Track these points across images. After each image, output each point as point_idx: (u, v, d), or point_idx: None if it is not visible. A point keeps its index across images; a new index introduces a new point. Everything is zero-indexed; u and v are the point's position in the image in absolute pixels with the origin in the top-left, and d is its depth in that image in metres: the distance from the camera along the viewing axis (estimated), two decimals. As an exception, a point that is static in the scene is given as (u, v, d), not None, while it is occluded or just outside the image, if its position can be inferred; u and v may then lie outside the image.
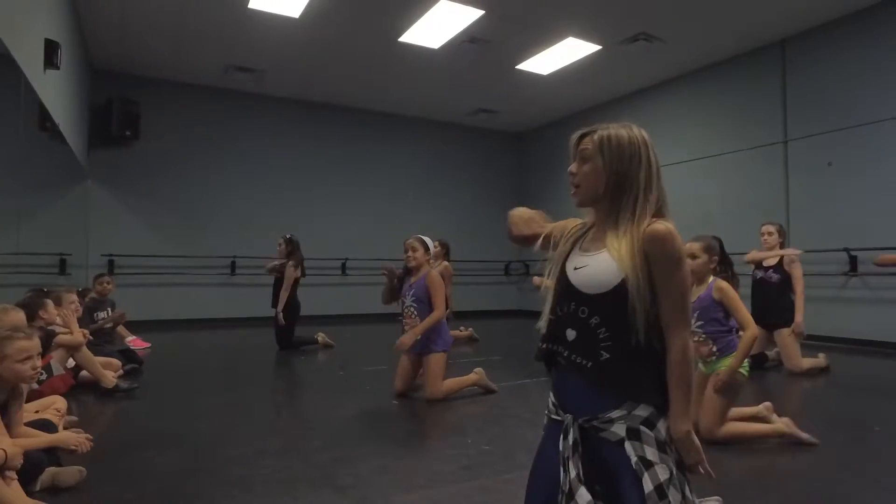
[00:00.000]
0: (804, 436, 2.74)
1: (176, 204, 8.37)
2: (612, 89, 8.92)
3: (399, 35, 6.94)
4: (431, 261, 4.08)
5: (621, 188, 1.40)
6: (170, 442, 2.77)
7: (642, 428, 1.31)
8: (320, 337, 6.34)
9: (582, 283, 1.37)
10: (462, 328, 7.16)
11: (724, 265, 2.95)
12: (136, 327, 6.50)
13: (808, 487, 2.20)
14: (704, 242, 2.85)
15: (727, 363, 2.74)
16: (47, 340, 3.47)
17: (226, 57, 7.58)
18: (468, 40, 7.08)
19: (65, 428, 2.69)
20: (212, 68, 7.95)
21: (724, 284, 2.80)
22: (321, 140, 9.55)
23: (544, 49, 7.33)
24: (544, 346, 1.45)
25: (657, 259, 1.34)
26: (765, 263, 5.07)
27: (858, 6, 6.20)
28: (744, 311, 2.76)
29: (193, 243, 8.44)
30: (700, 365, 2.89)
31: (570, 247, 1.48)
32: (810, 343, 6.52)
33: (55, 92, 4.99)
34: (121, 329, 5.75)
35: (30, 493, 1.94)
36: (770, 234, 5.06)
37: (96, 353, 4.24)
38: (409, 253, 3.88)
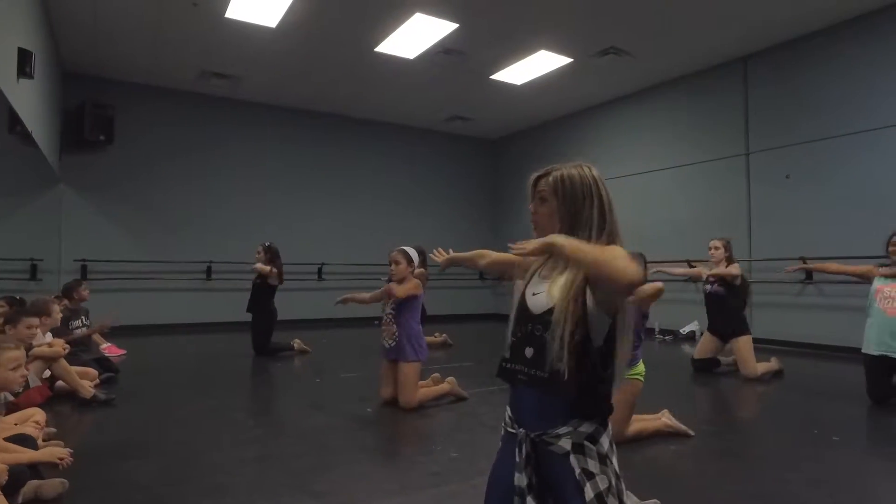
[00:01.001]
0: (682, 427, 3.16)
1: (150, 208, 8.34)
2: (583, 100, 9.17)
3: (375, 45, 7.05)
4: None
5: (576, 225, 1.52)
6: (150, 451, 2.85)
7: (586, 443, 1.46)
8: (296, 343, 6.41)
9: (534, 306, 1.51)
10: (437, 334, 7.29)
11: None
12: (109, 334, 6.47)
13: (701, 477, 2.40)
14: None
15: (634, 372, 3.05)
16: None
17: (202, 62, 7.59)
18: (443, 51, 7.23)
19: (44, 440, 2.75)
20: (188, 73, 7.95)
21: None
22: (298, 145, 9.60)
23: (517, 61, 7.52)
24: (507, 365, 1.57)
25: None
26: (708, 276, 5.33)
27: (817, 26, 6.52)
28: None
29: (168, 248, 8.42)
30: None
31: (530, 276, 1.62)
32: (768, 347, 6.84)
33: (27, 100, 4.98)
34: (96, 336, 5.74)
35: None
36: (717, 248, 5.30)
37: (72, 363, 4.26)
38: (392, 266, 4.00)
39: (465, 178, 11.47)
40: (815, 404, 4.02)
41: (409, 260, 4.06)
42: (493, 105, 9.43)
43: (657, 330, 8.11)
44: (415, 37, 6.80)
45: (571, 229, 1.53)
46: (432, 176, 11.02)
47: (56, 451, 2.40)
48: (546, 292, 1.48)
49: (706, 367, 5.29)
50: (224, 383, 4.65)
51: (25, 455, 2.31)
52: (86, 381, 3.92)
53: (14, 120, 5.35)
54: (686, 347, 7.15)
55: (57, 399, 3.78)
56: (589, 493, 1.42)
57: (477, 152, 11.57)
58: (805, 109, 6.73)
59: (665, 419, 3.17)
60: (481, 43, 7.01)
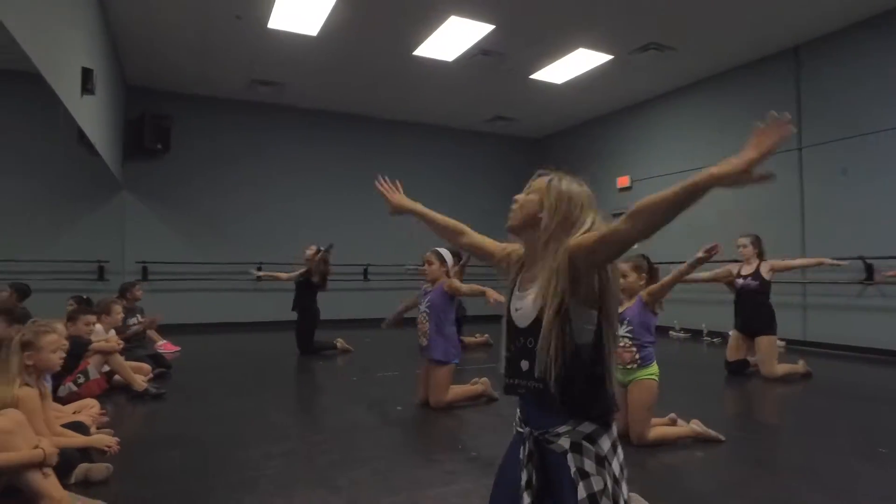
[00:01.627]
0: (712, 433, 3.08)
1: (204, 212, 8.78)
2: (626, 97, 8.99)
3: (413, 49, 7.16)
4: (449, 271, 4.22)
5: (563, 226, 1.54)
6: (188, 444, 3.05)
7: (584, 443, 1.49)
8: (339, 342, 6.61)
9: (520, 320, 1.55)
10: (478, 335, 7.35)
11: (651, 282, 3.17)
12: (166, 331, 6.88)
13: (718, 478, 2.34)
14: (633, 262, 3.11)
15: (647, 373, 3.02)
16: (83, 348, 3.81)
17: (249, 71, 7.92)
18: (481, 53, 7.26)
19: (98, 428, 3.00)
20: (236, 82, 8.32)
21: (649, 288, 3.09)
22: (342, 148, 9.85)
23: (556, 59, 7.46)
24: (507, 380, 1.62)
25: (582, 246, 1.46)
26: (742, 272, 5.20)
27: (873, 12, 6.17)
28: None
29: (220, 250, 8.83)
30: (618, 375, 3.04)
31: (510, 291, 1.65)
32: (822, 351, 6.54)
33: (90, 114, 5.37)
34: (152, 333, 6.13)
35: (65, 486, 2.21)
36: (744, 245, 5.24)
37: (128, 358, 4.60)
38: (425, 266, 4.08)
39: (509, 178, 11.37)
40: (867, 412, 3.83)
41: (443, 260, 4.12)
42: (535, 105, 9.38)
43: (704, 332, 7.88)
44: (452, 39, 6.87)
45: (557, 226, 1.54)
46: (475, 176, 11.06)
47: (105, 439, 2.62)
48: (528, 303, 1.52)
49: (740, 370, 5.12)
50: (266, 381, 4.86)
51: (78, 440, 2.54)
52: (139, 375, 4.21)
53: (82, 133, 5.78)
54: (704, 348, 6.97)
55: (113, 391, 4.07)
56: (582, 492, 1.45)
57: (520, 152, 11.52)
58: (862, 100, 6.37)
59: (694, 426, 3.11)
60: (519, 43, 7.00)
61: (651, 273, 3.15)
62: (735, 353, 5.20)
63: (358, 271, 9.80)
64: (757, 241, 5.24)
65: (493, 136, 11.17)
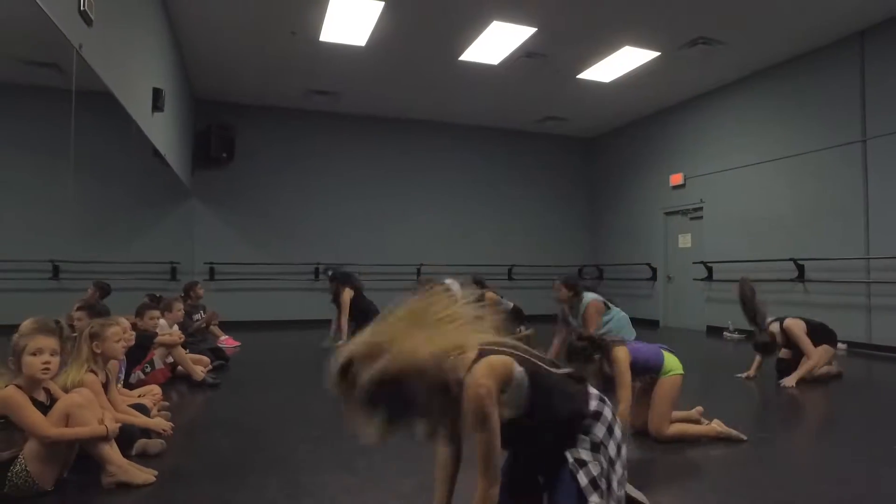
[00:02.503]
0: (734, 433, 3.04)
1: (266, 216, 9.32)
2: (679, 93, 8.79)
3: (459, 55, 7.33)
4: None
5: None
6: (236, 427, 3.35)
7: (580, 435, 1.68)
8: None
9: None
10: (523, 327, 7.37)
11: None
12: (230, 327, 7.39)
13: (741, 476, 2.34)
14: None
15: (668, 369, 3.05)
16: (149, 341, 4.23)
17: (305, 82, 8.36)
18: (525, 55, 7.34)
19: (158, 411, 3.35)
20: (294, 93, 8.78)
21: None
22: (395, 152, 10.17)
23: (602, 59, 7.42)
24: None
25: None
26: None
27: (943, -7, 5.79)
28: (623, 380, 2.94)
29: (282, 251, 9.34)
30: None
31: None
32: (889, 356, 6.19)
33: (161, 129, 5.89)
34: (215, 329, 6.62)
35: (126, 457, 2.53)
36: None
37: (192, 351, 5.04)
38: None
39: (562, 178, 11.41)
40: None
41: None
42: (585, 104, 9.33)
43: (730, 328, 7.63)
44: (495, 43, 6.99)
45: None
46: (528, 176, 11.10)
47: (161, 423, 2.96)
48: None
49: (787, 369, 4.86)
50: (315, 375, 5.14)
51: (139, 420, 2.88)
52: (199, 366, 4.60)
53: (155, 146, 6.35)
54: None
55: (176, 380, 4.48)
56: (583, 479, 1.63)
57: (573, 151, 11.46)
58: (932, 88, 5.98)
59: (716, 425, 3.10)
60: (562, 44, 7.03)
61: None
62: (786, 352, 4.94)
63: (411, 271, 10.07)
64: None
65: (546, 137, 11.16)
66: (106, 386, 2.74)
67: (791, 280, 7.25)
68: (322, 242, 9.54)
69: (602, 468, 1.67)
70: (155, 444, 2.74)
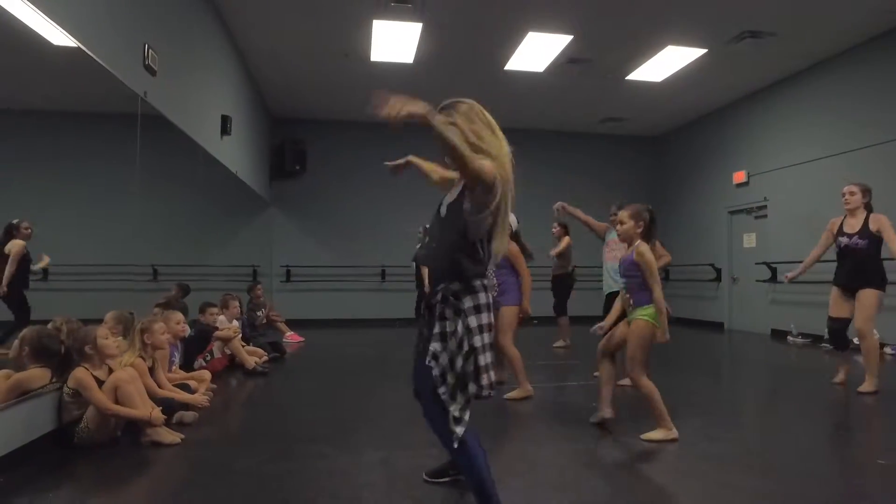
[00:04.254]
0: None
1: (335, 222, 10.11)
2: (736, 87, 8.51)
3: (503, 65, 7.64)
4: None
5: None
6: (265, 407, 3.95)
7: (451, 297, 2.03)
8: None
9: (442, 212, 2.22)
10: (562, 341, 7.31)
11: (649, 235, 3.19)
12: (303, 325, 8.18)
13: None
14: (632, 210, 3.21)
15: (643, 313, 3.08)
16: (209, 334, 4.98)
17: (364, 97, 9.00)
18: (568, 61, 7.50)
19: (204, 392, 4.01)
20: (356, 108, 9.46)
21: (644, 249, 3.09)
22: (455, 159, 10.61)
23: (647, 59, 7.41)
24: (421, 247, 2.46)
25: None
26: (847, 230, 4.51)
27: None
28: (654, 276, 3.07)
29: (350, 254, 10.09)
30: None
31: (445, 195, 2.36)
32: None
33: (230, 150, 6.74)
34: (281, 325, 7.40)
35: (167, 424, 3.16)
36: (853, 193, 4.51)
37: (254, 344, 5.80)
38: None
39: (626, 178, 11.28)
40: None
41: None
42: (641, 104, 9.25)
43: (793, 332, 7.23)
44: (536, 52, 7.22)
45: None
46: (592, 177, 11.09)
47: (199, 399, 3.60)
48: (444, 204, 2.21)
49: (842, 331, 4.56)
50: (367, 369, 5.66)
51: (180, 395, 3.54)
52: (254, 357, 5.31)
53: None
54: (859, 359, 6.28)
55: (234, 368, 5.20)
56: (436, 328, 2.04)
57: (637, 151, 11.31)
58: None
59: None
60: (603, 48, 7.13)
61: (649, 227, 3.18)
62: (839, 310, 4.55)
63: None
64: (867, 192, 4.53)
65: (607, 137, 11.12)
66: (152, 369, 3.41)
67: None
68: (385, 246, 10.17)
69: (456, 329, 1.97)
70: (189, 416, 3.36)
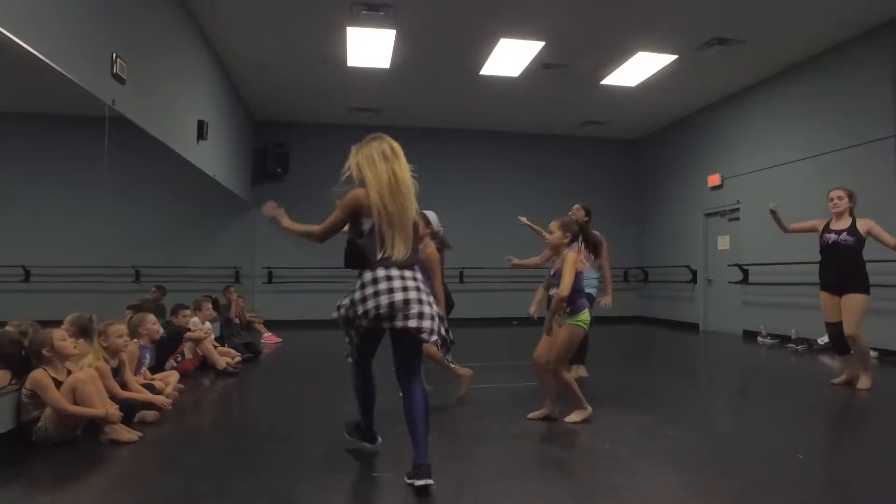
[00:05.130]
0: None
1: (317, 223, 10.19)
2: (710, 92, 8.68)
3: (479, 70, 7.77)
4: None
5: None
6: (226, 405, 4.07)
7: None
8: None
9: None
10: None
11: (585, 244, 3.60)
12: (283, 326, 8.29)
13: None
14: (562, 222, 3.50)
15: (576, 319, 3.40)
16: (180, 335, 5.09)
17: (346, 101, 9.14)
18: (543, 66, 7.63)
19: (169, 394, 4.11)
20: (337, 111, 9.61)
21: (570, 256, 3.37)
22: (440, 160, 10.71)
23: (620, 65, 7.55)
24: None
25: None
26: (834, 227, 4.61)
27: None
28: (568, 279, 3.32)
29: (332, 256, 10.08)
30: (557, 320, 3.50)
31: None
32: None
33: (207, 154, 6.85)
34: (259, 326, 7.51)
35: (129, 423, 3.27)
36: (839, 198, 4.60)
37: (228, 345, 5.91)
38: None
39: (608, 180, 11.43)
40: None
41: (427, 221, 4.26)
42: (619, 108, 9.40)
43: (793, 337, 7.36)
44: (510, 58, 7.34)
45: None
46: (574, 180, 11.22)
47: (159, 398, 3.71)
48: None
49: (843, 335, 4.54)
50: (338, 368, 5.75)
51: (143, 395, 3.63)
52: (227, 358, 5.42)
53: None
54: (825, 359, 6.44)
55: (205, 369, 5.30)
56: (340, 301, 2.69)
57: (617, 154, 11.47)
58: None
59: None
60: (575, 54, 7.27)
61: (577, 237, 3.50)
62: (835, 315, 4.58)
63: (454, 274, 10.58)
64: (853, 196, 4.65)
65: (589, 140, 11.26)
66: (117, 370, 3.52)
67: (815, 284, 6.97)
68: (368, 247, 10.27)
69: (347, 299, 2.63)
70: (150, 415, 3.47)
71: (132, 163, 7.35)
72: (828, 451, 3.27)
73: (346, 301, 2.63)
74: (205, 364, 5.28)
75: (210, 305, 5.74)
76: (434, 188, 10.56)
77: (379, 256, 2.57)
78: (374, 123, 10.30)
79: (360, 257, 2.69)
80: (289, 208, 9.96)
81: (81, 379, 3.09)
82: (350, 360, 2.82)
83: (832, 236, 4.59)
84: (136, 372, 4.07)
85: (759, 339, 7.79)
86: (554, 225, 3.51)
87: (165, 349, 4.91)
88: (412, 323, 2.46)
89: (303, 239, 2.98)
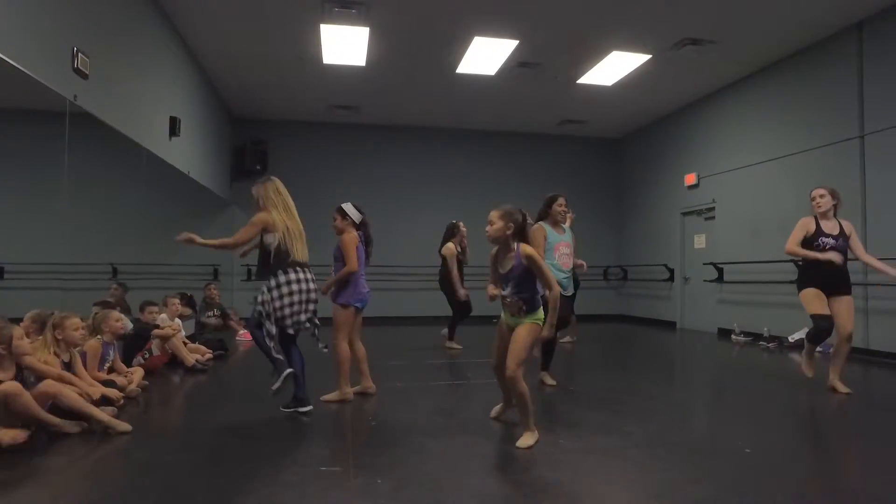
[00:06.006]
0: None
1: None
2: (686, 92, 8.77)
3: (455, 68, 7.78)
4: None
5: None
6: (187, 399, 4.06)
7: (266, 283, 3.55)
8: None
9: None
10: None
11: (522, 237, 3.09)
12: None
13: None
14: (503, 210, 3.07)
15: (533, 318, 3.05)
16: (148, 332, 5.07)
17: (325, 98, 9.12)
18: (518, 65, 7.66)
19: (135, 387, 4.10)
20: (317, 108, 9.59)
21: (530, 250, 3.02)
22: (418, 158, 10.76)
23: (595, 64, 7.60)
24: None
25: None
26: (828, 231, 4.48)
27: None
28: (548, 273, 3.04)
29: (311, 252, 10.15)
30: (506, 317, 3.18)
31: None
32: (886, 361, 6.00)
33: (181, 151, 6.82)
34: (234, 323, 7.49)
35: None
36: (822, 196, 4.50)
37: (202, 342, 5.90)
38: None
39: (588, 179, 11.49)
40: None
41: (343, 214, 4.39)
42: (597, 107, 9.46)
43: (765, 335, 7.44)
44: (485, 56, 7.37)
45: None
46: (552, 178, 11.21)
47: (115, 393, 3.68)
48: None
49: (831, 329, 4.44)
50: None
51: (96, 389, 3.57)
52: (196, 354, 5.41)
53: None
54: (795, 357, 6.51)
55: (175, 366, 5.29)
56: (257, 297, 3.51)
57: (597, 153, 11.53)
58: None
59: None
60: (550, 52, 7.30)
61: (523, 227, 3.09)
62: (825, 307, 4.41)
63: (431, 272, 10.58)
64: (836, 194, 4.57)
65: (569, 139, 11.32)
66: (70, 364, 3.51)
67: (793, 282, 7.06)
68: (348, 245, 10.27)
69: (263, 300, 3.58)
70: (108, 410, 3.46)
71: (99, 159, 7.30)
72: (780, 444, 3.32)
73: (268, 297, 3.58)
74: (175, 361, 5.27)
75: (178, 301, 5.71)
76: (413, 186, 10.71)
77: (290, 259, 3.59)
78: (353, 121, 10.34)
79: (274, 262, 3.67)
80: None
81: (8, 392, 2.94)
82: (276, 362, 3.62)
83: (829, 241, 4.43)
84: (100, 368, 4.06)
85: (733, 336, 7.88)
86: (494, 214, 3.08)
87: (133, 346, 4.90)
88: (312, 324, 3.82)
89: (220, 250, 3.89)
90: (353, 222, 4.37)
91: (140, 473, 2.60)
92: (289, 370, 3.58)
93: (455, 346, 6.88)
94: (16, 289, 7.66)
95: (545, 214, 4.78)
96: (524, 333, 3.06)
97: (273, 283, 3.57)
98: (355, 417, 3.68)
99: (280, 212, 3.84)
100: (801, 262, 4.87)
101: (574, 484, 2.51)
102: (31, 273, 7.23)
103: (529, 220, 3.18)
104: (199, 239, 3.53)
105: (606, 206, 11.47)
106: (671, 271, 9.66)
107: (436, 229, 10.80)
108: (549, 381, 4.67)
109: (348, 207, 4.40)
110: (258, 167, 9.72)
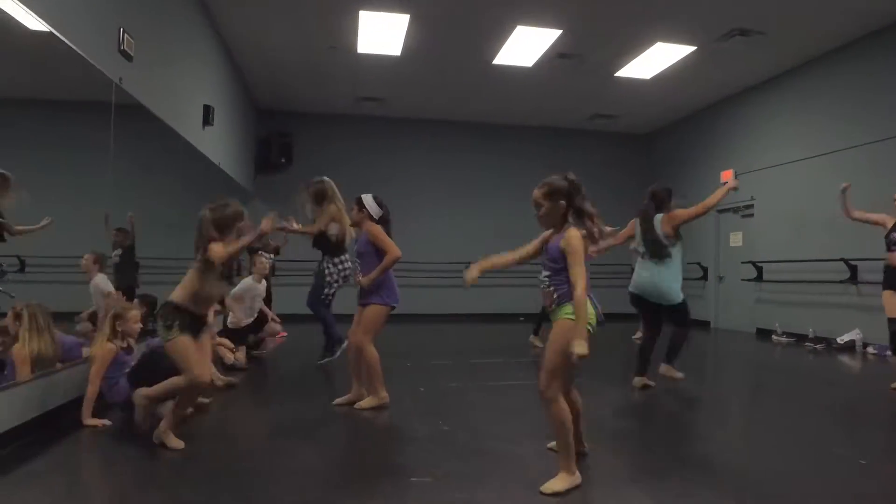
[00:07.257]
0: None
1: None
2: (726, 86, 8.55)
3: (492, 59, 7.57)
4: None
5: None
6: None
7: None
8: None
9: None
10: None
11: (579, 215, 2.52)
12: (289, 320, 8.09)
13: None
14: (546, 187, 2.57)
15: (565, 311, 2.39)
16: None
17: (353, 90, 8.91)
18: (558, 56, 7.44)
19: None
20: (343, 100, 9.38)
21: (574, 234, 2.45)
22: (443, 152, 10.54)
23: (636, 56, 7.38)
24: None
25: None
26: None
27: None
28: (579, 268, 2.40)
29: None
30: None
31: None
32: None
33: (212, 141, 6.61)
34: (273, 325, 7.30)
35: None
36: None
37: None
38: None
39: (618, 175, 11.24)
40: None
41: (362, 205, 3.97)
42: (631, 101, 9.24)
43: (810, 335, 7.22)
44: (525, 47, 7.16)
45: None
46: (582, 174, 10.89)
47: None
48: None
49: None
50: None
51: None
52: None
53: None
54: (845, 359, 6.29)
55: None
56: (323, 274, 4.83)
57: (628, 148, 11.30)
58: None
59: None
60: (592, 44, 7.08)
61: (571, 201, 2.53)
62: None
63: (458, 269, 10.38)
64: None
65: (598, 134, 11.09)
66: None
67: (842, 282, 6.86)
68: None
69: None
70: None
71: (136, 150, 7.10)
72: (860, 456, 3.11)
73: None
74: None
75: (264, 260, 5.78)
76: (439, 181, 10.47)
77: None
78: (378, 114, 10.11)
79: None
80: (292, 199, 9.65)
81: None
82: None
83: None
84: (116, 375, 3.83)
85: (774, 337, 7.66)
86: (537, 193, 2.56)
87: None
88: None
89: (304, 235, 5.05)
90: (370, 216, 3.88)
91: (127, 470, 2.41)
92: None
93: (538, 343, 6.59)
94: (36, 283, 7.47)
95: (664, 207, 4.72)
96: (555, 334, 2.40)
97: (338, 262, 4.74)
98: (421, 422, 3.46)
99: (339, 207, 4.74)
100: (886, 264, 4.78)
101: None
102: (51, 267, 7.06)
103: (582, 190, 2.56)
104: (294, 225, 4.26)
105: (637, 203, 11.21)
106: (705, 270, 9.44)
107: (463, 225, 10.63)
108: (675, 374, 4.70)
109: (367, 199, 3.97)
110: (283, 160, 9.52)
